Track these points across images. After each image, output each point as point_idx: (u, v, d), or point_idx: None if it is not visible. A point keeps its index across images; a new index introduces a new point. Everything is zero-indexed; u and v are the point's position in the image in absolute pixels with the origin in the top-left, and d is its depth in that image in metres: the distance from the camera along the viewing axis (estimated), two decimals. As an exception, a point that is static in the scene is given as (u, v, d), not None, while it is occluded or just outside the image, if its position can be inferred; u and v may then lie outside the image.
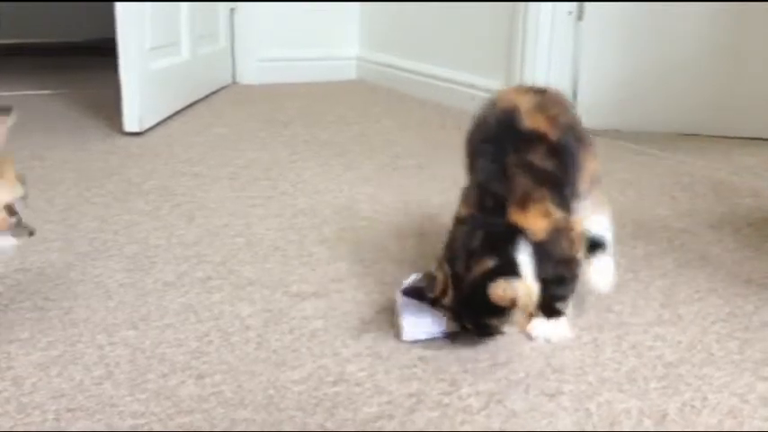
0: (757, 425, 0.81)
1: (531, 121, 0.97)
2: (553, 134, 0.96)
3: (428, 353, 0.95)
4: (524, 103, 0.99)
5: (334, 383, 0.88)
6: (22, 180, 0.94)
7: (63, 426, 0.79)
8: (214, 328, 1.00)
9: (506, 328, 0.95)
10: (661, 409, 0.83)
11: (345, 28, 3.22)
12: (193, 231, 1.37)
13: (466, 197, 1.01)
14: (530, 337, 0.98)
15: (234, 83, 3.07)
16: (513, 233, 0.91)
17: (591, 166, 1.02)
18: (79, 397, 0.84)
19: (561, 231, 0.93)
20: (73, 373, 0.89)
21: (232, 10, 3.01)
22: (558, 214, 0.93)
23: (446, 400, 0.85)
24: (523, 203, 0.93)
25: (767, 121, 2.17)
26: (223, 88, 2.93)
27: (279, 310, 1.06)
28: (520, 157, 0.95)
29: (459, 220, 0.98)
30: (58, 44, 4.03)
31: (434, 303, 0.94)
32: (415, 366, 0.92)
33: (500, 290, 0.87)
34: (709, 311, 1.08)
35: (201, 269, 1.20)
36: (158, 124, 2.22)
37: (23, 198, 0.94)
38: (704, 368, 0.92)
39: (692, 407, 0.84)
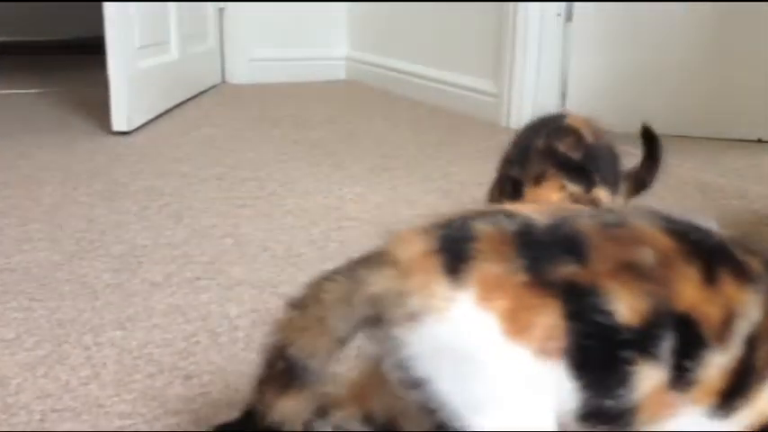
0: None
1: (572, 120, 0.97)
2: (588, 135, 0.96)
3: (416, 353, 0.95)
4: (578, 118, 0.99)
5: (322, 384, 0.87)
6: None
7: (49, 426, 0.78)
8: (202, 329, 1.00)
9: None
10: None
11: (334, 28, 3.23)
12: (181, 231, 1.37)
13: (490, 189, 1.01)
14: None
15: (223, 82, 3.06)
16: None
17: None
18: (65, 397, 0.83)
19: (579, 201, 0.91)
20: (59, 373, 0.88)
21: (221, 9, 3.01)
22: (573, 188, 0.92)
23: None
24: (537, 181, 0.93)
25: (754, 123, 2.19)
26: (212, 88, 2.93)
27: (267, 311, 1.06)
28: (546, 143, 0.95)
29: None
30: (46, 42, 4.01)
31: None
32: (402, 367, 0.92)
33: None
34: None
35: (189, 269, 1.19)
36: (147, 124, 2.21)
37: None
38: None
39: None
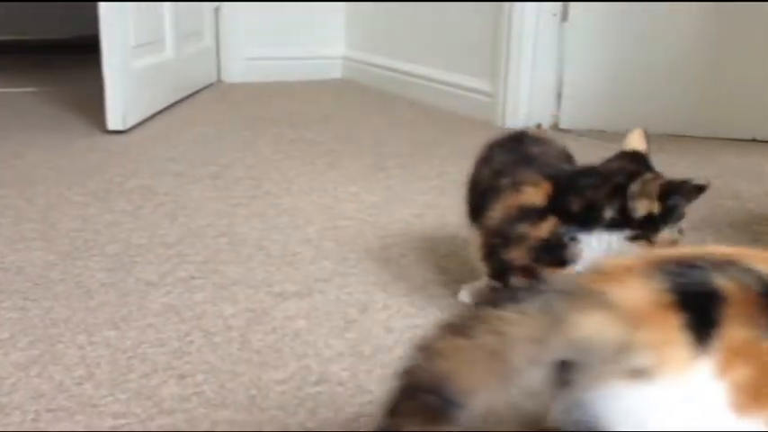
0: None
1: (534, 133, 1.04)
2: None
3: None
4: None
5: (316, 383, 0.87)
6: None
7: (43, 426, 0.78)
8: (196, 328, 1.00)
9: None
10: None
11: (331, 27, 3.22)
12: (176, 231, 1.36)
13: None
14: None
15: (219, 81, 3.06)
16: None
17: None
18: (59, 397, 0.83)
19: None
20: (53, 373, 0.88)
21: (216, 8, 3.00)
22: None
23: (428, 399, 0.85)
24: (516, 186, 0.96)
25: (748, 122, 2.20)
26: (208, 87, 2.92)
27: (262, 310, 1.06)
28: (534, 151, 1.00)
29: None
30: (41, 41, 4.00)
31: None
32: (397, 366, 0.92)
33: None
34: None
35: (184, 269, 1.19)
36: (142, 122, 2.20)
37: None
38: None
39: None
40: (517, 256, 0.95)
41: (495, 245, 0.97)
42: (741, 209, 1.53)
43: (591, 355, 0.48)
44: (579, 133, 2.19)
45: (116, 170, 1.75)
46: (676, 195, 0.93)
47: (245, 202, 1.55)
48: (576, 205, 0.94)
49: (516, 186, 0.96)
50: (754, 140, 2.18)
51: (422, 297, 1.11)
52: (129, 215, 1.44)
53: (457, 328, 0.52)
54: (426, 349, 0.53)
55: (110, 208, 1.48)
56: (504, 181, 0.98)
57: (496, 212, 0.96)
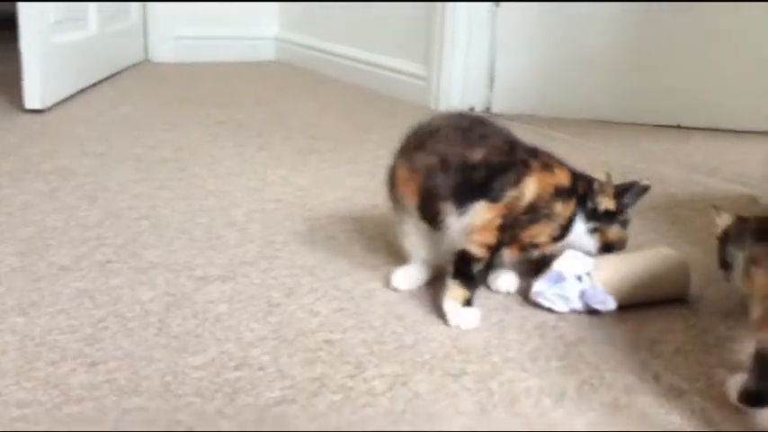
0: (648, 401, 0.83)
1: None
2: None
3: (335, 336, 0.94)
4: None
5: (236, 368, 0.85)
6: None
7: (-62, 419, 0.73)
8: (111, 314, 0.96)
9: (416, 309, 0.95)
10: (560, 387, 0.85)
11: (264, 7, 3.15)
12: (94, 213, 1.31)
13: None
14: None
15: (147, 61, 2.96)
16: None
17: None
18: (-42, 388, 0.78)
19: None
20: (-47, 362, 0.83)
21: (145, -15, 2.90)
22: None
23: (350, 383, 0.84)
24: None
25: (674, 109, 2.25)
26: (134, 66, 2.82)
27: (182, 295, 1.02)
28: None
29: None
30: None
31: None
32: (320, 350, 0.90)
33: None
34: (612, 292, 1.10)
35: (101, 252, 1.15)
36: (62, 102, 2.11)
37: None
38: (603, 347, 0.94)
39: (590, 385, 0.86)
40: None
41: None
42: (664, 193, 1.56)
43: None
44: (510, 117, 2.20)
45: (33, 150, 1.67)
46: (627, 194, 1.06)
47: (169, 184, 1.50)
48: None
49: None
50: (678, 127, 2.24)
51: (349, 281, 1.10)
52: (46, 197, 1.38)
53: None
54: None
55: (25, 189, 1.41)
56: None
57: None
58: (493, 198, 0.99)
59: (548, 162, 1.04)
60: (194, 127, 1.97)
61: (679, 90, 2.23)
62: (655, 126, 2.24)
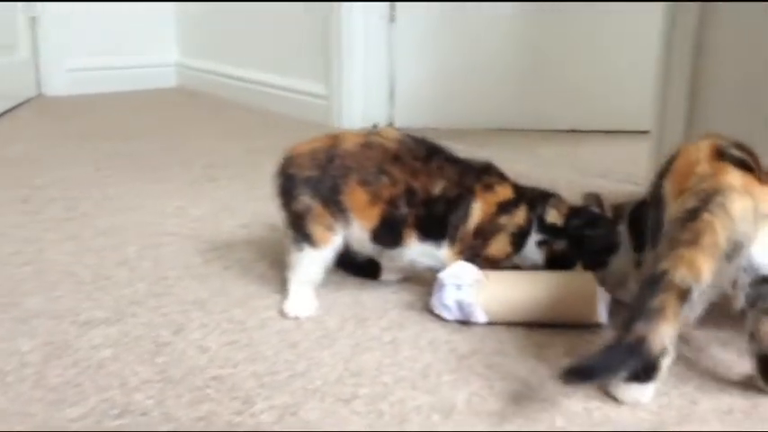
0: (538, 407, 0.85)
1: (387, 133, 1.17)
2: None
3: (224, 371, 0.92)
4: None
5: (118, 416, 0.82)
6: None
7: None
8: (-15, 370, 0.91)
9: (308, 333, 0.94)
10: (450, 402, 0.85)
11: (162, 32, 3.09)
12: (-27, 262, 1.25)
13: None
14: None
15: (39, 95, 2.85)
16: None
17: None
18: None
19: None
20: None
21: (33, 19, 2.80)
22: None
23: (237, 419, 0.82)
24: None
25: (568, 114, 2.33)
26: (26, 102, 2.72)
27: (64, 342, 0.98)
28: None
29: None
30: None
31: None
32: (208, 387, 0.88)
33: None
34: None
35: (-23, 304, 1.09)
36: (-56, 145, 2.01)
37: None
38: (494, 357, 0.96)
39: (480, 396, 0.87)
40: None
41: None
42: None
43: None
44: (412, 131, 2.22)
45: None
46: (578, 217, 1.10)
47: (57, 225, 1.44)
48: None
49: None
50: (572, 131, 2.32)
51: (241, 312, 1.08)
52: None
53: None
54: None
55: None
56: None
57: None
58: (451, 239, 1.08)
59: (488, 183, 1.10)
60: (86, 162, 1.91)
61: (572, 95, 2.31)
62: (550, 131, 2.30)
